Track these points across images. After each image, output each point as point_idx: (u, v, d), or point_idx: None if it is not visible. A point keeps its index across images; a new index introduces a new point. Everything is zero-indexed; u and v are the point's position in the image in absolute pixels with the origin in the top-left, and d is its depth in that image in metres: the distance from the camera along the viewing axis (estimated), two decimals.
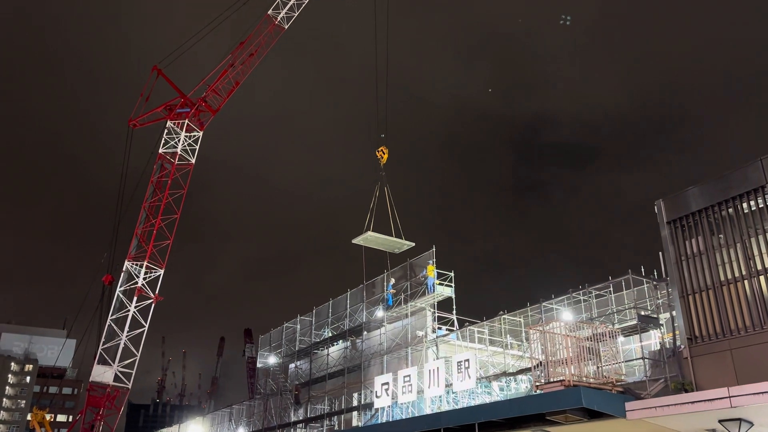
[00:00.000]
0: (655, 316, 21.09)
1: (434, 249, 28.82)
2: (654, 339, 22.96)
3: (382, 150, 33.16)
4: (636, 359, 21.51)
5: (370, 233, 30.06)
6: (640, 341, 20.75)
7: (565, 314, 24.42)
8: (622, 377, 19.69)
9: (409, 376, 26.23)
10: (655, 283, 21.42)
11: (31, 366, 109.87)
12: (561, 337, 19.76)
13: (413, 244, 31.00)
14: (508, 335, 27.13)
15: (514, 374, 24.24)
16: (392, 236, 30.57)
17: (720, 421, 14.76)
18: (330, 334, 35.14)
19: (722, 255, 17.43)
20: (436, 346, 27.49)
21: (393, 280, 30.59)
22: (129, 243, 41.93)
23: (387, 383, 27.24)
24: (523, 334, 26.47)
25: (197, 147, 43.97)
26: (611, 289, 24.08)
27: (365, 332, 32.08)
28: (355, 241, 30.71)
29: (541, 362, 20.06)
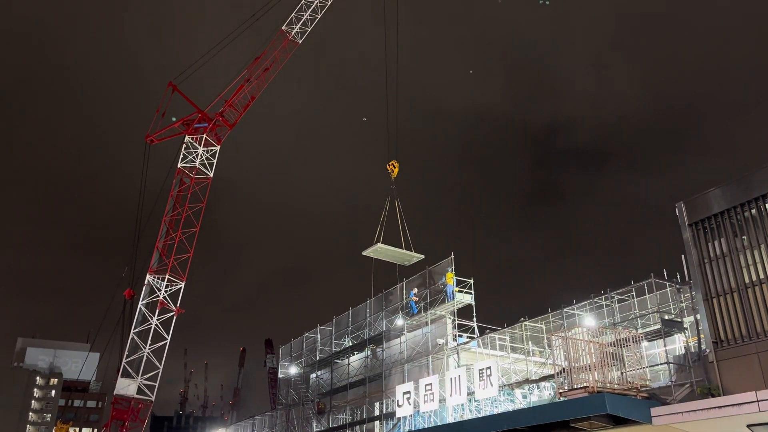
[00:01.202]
0: (678, 320, 20.83)
1: (453, 256, 28.82)
2: (678, 343, 22.69)
3: (392, 164, 33.41)
4: (660, 364, 21.24)
5: (380, 245, 30.28)
6: (665, 346, 20.50)
7: (587, 320, 24.22)
8: (647, 382, 19.48)
9: (430, 384, 26.18)
10: (678, 286, 21.18)
11: (56, 380, 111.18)
12: (584, 343, 19.61)
13: (422, 257, 31.29)
14: (529, 342, 27.01)
15: (536, 381, 24.07)
16: (402, 248, 30.79)
17: (748, 426, 14.52)
18: (350, 344, 35.21)
19: (746, 257, 17.18)
20: (457, 354, 27.40)
21: (416, 289, 30.55)
22: (149, 257, 42.41)
23: (408, 392, 27.18)
24: (545, 341, 26.26)
25: (215, 161, 44.44)
26: (634, 293, 23.85)
27: (385, 341, 32.10)
28: (365, 253, 31.00)
29: (564, 369, 19.92)
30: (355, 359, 35.04)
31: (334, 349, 36.56)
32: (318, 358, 37.87)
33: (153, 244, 42.16)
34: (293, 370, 40.59)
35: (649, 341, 21.82)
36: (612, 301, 23.22)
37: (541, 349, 26.97)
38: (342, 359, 36.29)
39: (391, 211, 32.09)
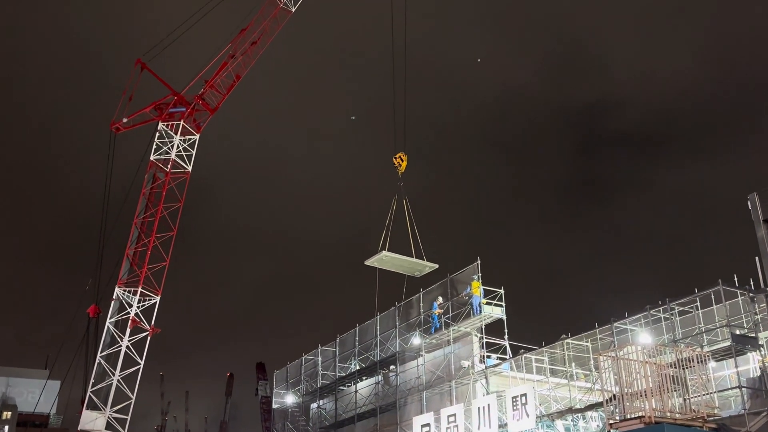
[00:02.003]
0: (753, 335, 20.63)
1: (479, 262, 28.81)
2: (753, 363, 22.49)
3: (399, 156, 33.21)
4: (731, 388, 21.08)
5: (385, 253, 30.22)
6: (736, 366, 20.34)
7: (642, 336, 24.12)
8: (715, 411, 19.32)
9: (454, 415, 26.13)
10: (751, 294, 20.98)
11: (9, 413, 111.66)
12: (638, 364, 19.52)
13: (436, 266, 31.16)
14: (573, 363, 26.98)
15: (582, 410, 23.98)
16: (412, 257, 30.75)
17: None
18: (358, 367, 35.19)
19: None
20: (486, 378, 27.38)
21: (440, 299, 30.51)
22: (118, 266, 42.46)
23: (428, 424, 27.13)
24: (592, 362, 26.21)
25: (194, 152, 44.34)
26: (698, 304, 23.70)
27: (399, 363, 32.13)
28: (368, 262, 30.98)
29: (614, 395, 19.84)
30: (364, 386, 35.03)
31: (338, 374, 36.53)
32: (319, 385, 37.86)
33: (122, 252, 42.27)
34: (290, 399, 40.55)
35: (717, 361, 21.66)
36: (672, 314, 23.08)
37: (587, 372, 26.94)
38: (348, 386, 36.28)
39: (399, 212, 32.12)
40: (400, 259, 30.73)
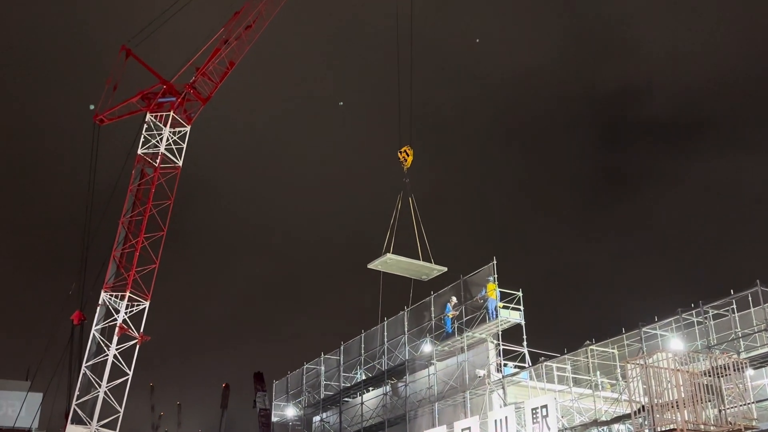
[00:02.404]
0: None
1: (495, 262, 28.81)
2: None
3: (405, 150, 33.24)
4: None
5: (389, 256, 30.27)
6: None
7: (673, 342, 24.10)
8: (753, 422, 19.25)
9: (468, 428, 26.17)
10: None
11: None
12: (669, 373, 19.47)
13: (445, 269, 31.19)
14: (597, 372, 27.09)
15: (608, 423, 23.95)
16: (419, 259, 30.77)
17: None
18: (364, 377, 35.29)
19: None
20: (503, 388, 27.41)
21: (454, 299, 30.46)
22: (104, 269, 42.53)
23: None
24: (618, 370, 26.30)
25: (184, 145, 44.35)
26: (734, 306, 23.60)
27: (409, 373, 32.17)
28: (371, 265, 31.02)
29: (643, 406, 19.81)
30: (371, 397, 35.10)
31: (343, 384, 36.63)
32: (322, 396, 37.99)
33: (108, 253, 42.37)
34: (291, 411, 40.63)
35: (755, 369, 21.55)
36: (706, 318, 23.01)
37: (614, 382, 27.02)
38: (353, 397, 36.36)
39: (405, 210, 32.13)
40: (405, 261, 30.77)
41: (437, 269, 31.20)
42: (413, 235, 31.45)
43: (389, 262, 30.63)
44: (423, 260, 30.88)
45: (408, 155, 33.23)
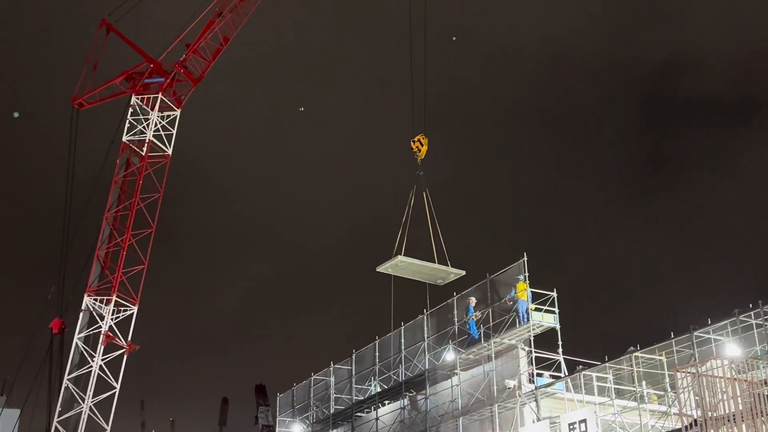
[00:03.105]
0: None
1: (526, 258, 28.71)
2: None
3: (419, 140, 33.29)
4: None
5: (401, 258, 30.48)
6: None
7: (729, 347, 23.90)
8: None
9: None
10: None
11: None
12: (725, 382, 19.36)
13: (463, 273, 31.33)
14: (643, 382, 26.74)
15: None
16: (434, 261, 30.87)
17: None
18: (378, 389, 35.33)
19: None
20: (536, 401, 27.37)
21: (474, 299, 30.48)
22: (86, 271, 42.70)
23: None
24: (667, 380, 26.16)
25: (174, 131, 44.52)
26: None
27: (429, 384, 32.14)
28: (381, 269, 31.17)
29: (695, 420, 19.72)
30: (387, 412, 35.12)
31: (355, 397, 36.71)
32: (332, 411, 38.07)
33: (91, 253, 42.56)
34: (297, 428, 40.74)
35: None
36: (766, 320, 22.84)
37: (661, 393, 26.83)
38: (367, 411, 36.42)
39: (418, 206, 32.26)
40: (418, 264, 30.86)
41: (454, 273, 31.30)
42: (428, 234, 31.62)
43: (400, 265, 30.79)
44: (438, 262, 30.97)
45: (422, 145, 33.25)
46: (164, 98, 43.95)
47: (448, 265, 31.05)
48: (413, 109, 33.96)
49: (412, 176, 33.10)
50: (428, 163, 33.03)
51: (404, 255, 30.56)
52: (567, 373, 27.48)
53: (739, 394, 19.19)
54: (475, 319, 30.22)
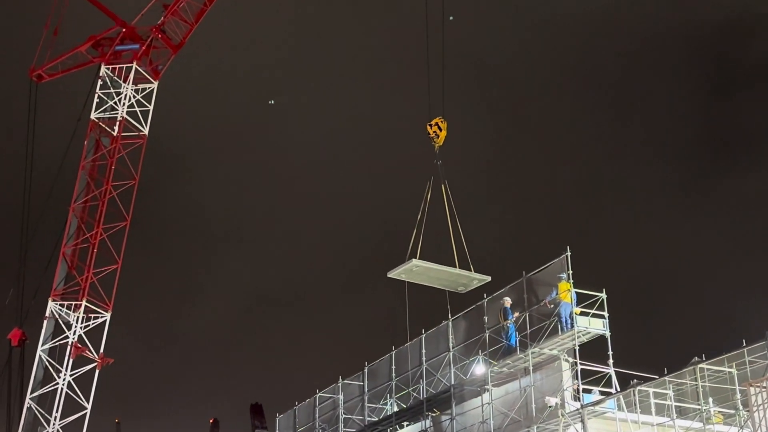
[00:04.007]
0: None
1: (569, 253, 28.46)
2: None
3: (436, 124, 33.59)
4: None
5: (415, 262, 30.86)
6: None
7: None
8: None
9: None
10: None
11: None
12: None
13: (488, 279, 31.74)
14: (709, 399, 26.60)
15: None
16: (455, 266, 31.29)
17: None
18: (396, 408, 35.18)
19: None
20: (583, 422, 27.11)
21: (509, 300, 30.25)
22: (51, 271, 42.64)
23: None
24: (738, 395, 25.85)
25: (151, 107, 44.44)
26: None
27: (456, 402, 31.92)
28: (393, 274, 31.62)
29: None
30: None
31: (368, 418, 36.57)
32: None
33: (56, 250, 42.49)
34: None
35: None
36: None
37: (731, 411, 26.56)
38: None
39: (436, 200, 32.56)
40: (437, 269, 31.24)
41: (478, 279, 31.72)
42: (447, 232, 31.66)
43: (415, 270, 31.18)
44: (459, 266, 31.32)
45: (440, 130, 33.31)
46: (139, 68, 43.86)
47: (471, 270, 31.38)
48: (430, 87, 34.01)
49: (428, 166, 33.52)
50: (453, 146, 33.10)
51: (420, 258, 30.90)
52: (619, 389, 27.25)
53: None
54: (515, 324, 29.96)
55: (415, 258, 30.93)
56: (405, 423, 34.96)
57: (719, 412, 27.61)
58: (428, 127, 33.75)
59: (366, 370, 37.57)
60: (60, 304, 41.75)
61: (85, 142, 43.43)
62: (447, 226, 32.11)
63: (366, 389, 37.20)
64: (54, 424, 40.48)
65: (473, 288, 32.36)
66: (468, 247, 31.56)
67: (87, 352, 41.30)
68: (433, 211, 32.72)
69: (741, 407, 25.84)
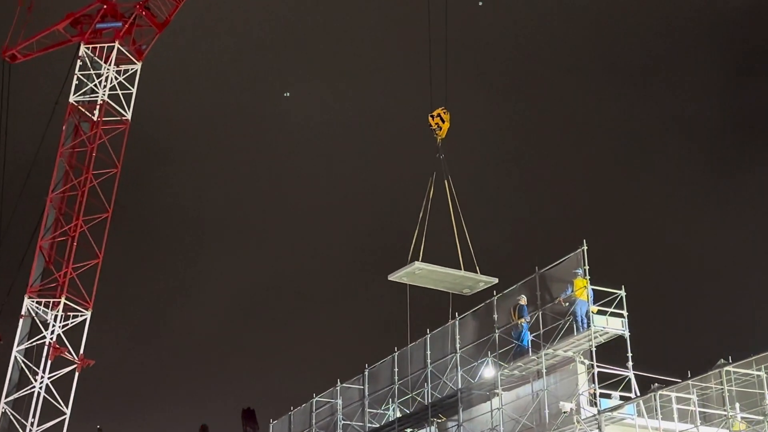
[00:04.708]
0: None
1: (585, 247, 28.44)
2: None
3: (439, 114, 33.72)
4: None
5: (418, 265, 31.09)
6: None
7: None
8: None
9: None
10: None
11: None
12: None
13: (495, 280, 31.95)
14: (736, 404, 26.58)
15: None
16: (459, 269, 31.48)
17: None
18: (398, 414, 35.26)
19: None
20: (600, 428, 27.11)
21: (524, 298, 30.28)
22: (27, 266, 42.66)
23: None
24: (767, 400, 25.90)
25: (134, 91, 44.37)
26: None
27: (463, 408, 32.06)
28: (394, 277, 31.97)
29: None
30: None
31: (369, 424, 36.70)
32: None
33: (32, 244, 42.48)
34: None
35: None
36: None
37: (760, 417, 26.56)
38: None
39: (439, 197, 32.78)
40: (441, 272, 31.41)
41: (485, 280, 31.91)
42: (451, 231, 31.90)
43: (418, 273, 31.44)
44: (465, 268, 31.50)
45: (443, 121, 33.36)
46: (121, 48, 43.76)
47: (477, 272, 31.56)
48: (432, 74, 34.11)
49: (431, 159, 33.68)
50: (461, 134, 33.13)
51: (423, 259, 31.12)
52: (638, 394, 27.29)
53: None
54: (529, 323, 29.96)
55: (418, 260, 31.16)
56: (408, 429, 34.86)
57: (744, 418, 27.65)
58: (430, 119, 33.91)
59: (366, 373, 37.77)
60: (37, 302, 41.72)
61: (64, 128, 43.34)
62: (451, 225, 32.45)
63: (366, 393, 37.40)
64: (31, 430, 40.52)
65: (478, 291, 32.67)
66: (477, 241, 31.82)
67: (66, 353, 41.31)
68: (437, 208, 32.92)
69: None
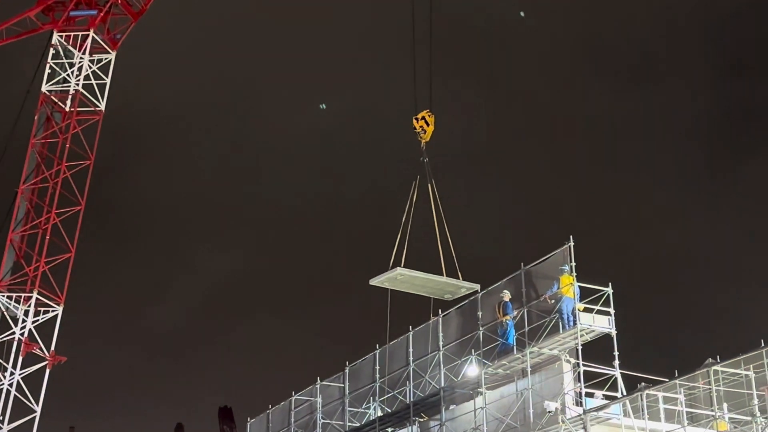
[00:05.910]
0: None
1: (572, 243, 28.45)
2: None
3: (423, 117, 33.91)
4: None
5: (400, 270, 31.49)
6: None
7: None
8: None
9: None
10: None
11: None
12: None
13: (476, 287, 32.20)
14: (723, 404, 26.72)
15: None
16: (441, 275, 31.85)
17: None
18: (380, 413, 35.23)
19: None
20: (585, 428, 27.22)
21: (508, 294, 30.31)
22: None
23: None
24: (755, 400, 25.92)
25: (108, 80, 44.29)
26: None
27: (446, 407, 32.10)
28: (376, 282, 32.26)
29: None
30: None
31: (349, 423, 36.67)
32: None
33: (2, 237, 42.28)
34: None
35: None
36: None
37: (747, 417, 26.60)
38: None
39: (422, 201, 33.10)
40: (423, 278, 31.76)
41: (466, 287, 32.29)
42: (434, 236, 32.15)
43: (400, 278, 31.82)
44: (447, 274, 31.91)
45: (427, 124, 33.50)
46: (95, 36, 43.61)
47: (459, 277, 31.96)
48: (416, 75, 34.20)
49: (415, 163, 34.05)
50: (446, 129, 33.17)
51: (405, 263, 31.65)
52: (625, 393, 27.39)
53: None
54: (513, 320, 30.01)
55: (400, 266, 31.51)
56: (389, 429, 34.91)
57: (731, 419, 27.78)
58: (414, 121, 34.13)
59: (347, 371, 37.77)
60: (7, 297, 41.59)
61: (35, 118, 43.19)
62: (434, 229, 32.87)
63: (347, 392, 37.39)
64: (2, 427, 40.37)
65: (459, 296, 32.96)
66: (462, 242, 32.29)
67: (37, 349, 41.20)
68: (421, 212, 33.33)
69: (758, 414, 25.89)
